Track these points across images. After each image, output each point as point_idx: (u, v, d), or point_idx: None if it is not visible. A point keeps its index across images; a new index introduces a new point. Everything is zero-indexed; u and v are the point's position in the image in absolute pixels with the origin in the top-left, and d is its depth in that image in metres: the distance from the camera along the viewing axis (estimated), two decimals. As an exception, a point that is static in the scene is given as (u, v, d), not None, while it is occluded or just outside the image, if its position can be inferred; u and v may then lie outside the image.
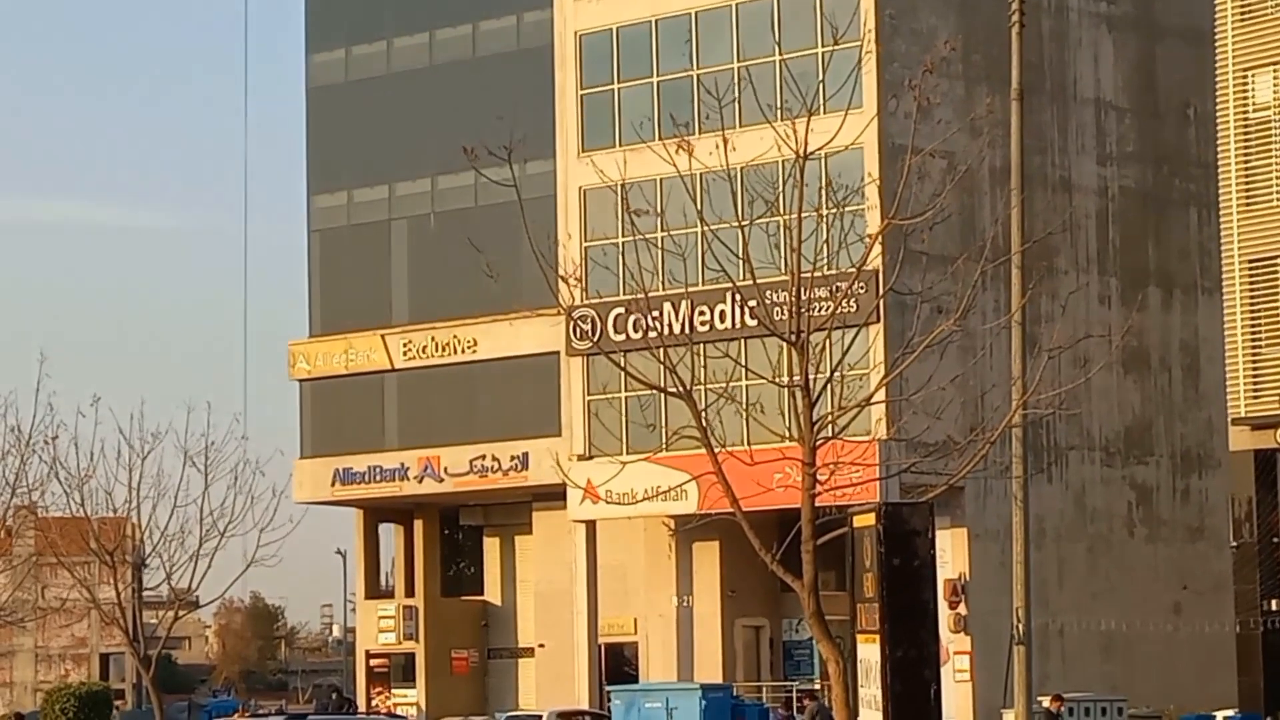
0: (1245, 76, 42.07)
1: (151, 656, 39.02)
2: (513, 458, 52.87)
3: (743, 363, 24.99)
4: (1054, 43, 51.69)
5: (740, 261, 18.92)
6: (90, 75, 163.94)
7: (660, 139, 27.13)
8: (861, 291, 32.08)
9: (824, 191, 19.93)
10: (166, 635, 43.05)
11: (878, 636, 17.26)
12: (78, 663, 70.46)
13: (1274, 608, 40.30)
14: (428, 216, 55.85)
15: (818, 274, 19.12)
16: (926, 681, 17.56)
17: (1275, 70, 42.02)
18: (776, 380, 19.18)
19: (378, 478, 56.07)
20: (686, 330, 41.63)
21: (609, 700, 44.68)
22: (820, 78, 20.54)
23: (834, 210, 20.21)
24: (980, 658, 43.99)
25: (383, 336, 54.97)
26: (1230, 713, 39.56)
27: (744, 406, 27.17)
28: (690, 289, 37.27)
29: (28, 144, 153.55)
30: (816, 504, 17.87)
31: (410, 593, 58.20)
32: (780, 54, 40.30)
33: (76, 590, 42.85)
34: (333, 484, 56.55)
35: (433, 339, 54.56)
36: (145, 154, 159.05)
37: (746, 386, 30.39)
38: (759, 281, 19.35)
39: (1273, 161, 41.68)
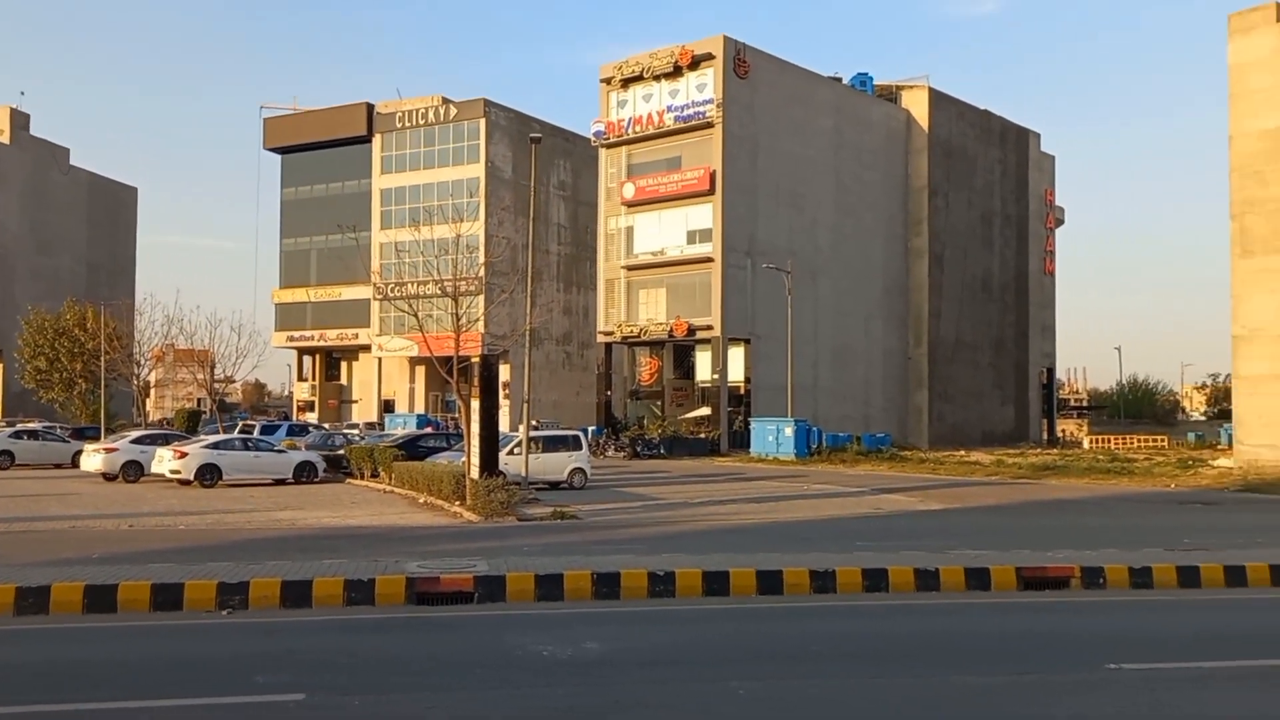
0: (608, 220, 56.21)
1: (217, 399, 51.98)
2: (353, 334, 69.70)
3: (437, 305, 29.01)
4: (541, 202, 65.40)
5: (438, 272, 25.48)
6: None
7: (409, 225, 48.30)
8: (476, 284, 36.39)
9: (465, 250, 27.33)
10: (222, 392, 55.91)
11: (478, 399, 21.82)
12: (189, 401, 73.92)
13: (608, 394, 55.69)
14: (323, 250, 70.64)
15: (463, 278, 25.00)
16: (494, 414, 22.34)
17: (618, 218, 55.21)
18: (448, 311, 23.44)
19: (304, 340, 72.50)
20: (419, 291, 49.57)
21: (387, 421, 57.45)
22: (464, 211, 34.17)
23: (469, 256, 28.67)
24: (514, 411, 51.76)
25: (306, 290, 71.42)
26: (594, 427, 52.52)
27: (436, 321, 30.60)
28: (419, 279, 53.24)
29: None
30: (460, 354, 22.76)
31: (315, 379, 74.15)
32: (452, 200, 51.80)
33: (192, 374, 52.66)
34: (288, 340, 72.47)
35: (325, 291, 70.87)
36: (227, 222, 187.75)
37: (437, 311, 32.18)
38: (444, 278, 24.99)
39: (616, 250, 55.99)
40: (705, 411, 53.34)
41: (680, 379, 56.54)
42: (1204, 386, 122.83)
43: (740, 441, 50.01)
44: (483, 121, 65.36)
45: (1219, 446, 52.56)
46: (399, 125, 67.81)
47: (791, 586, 12.00)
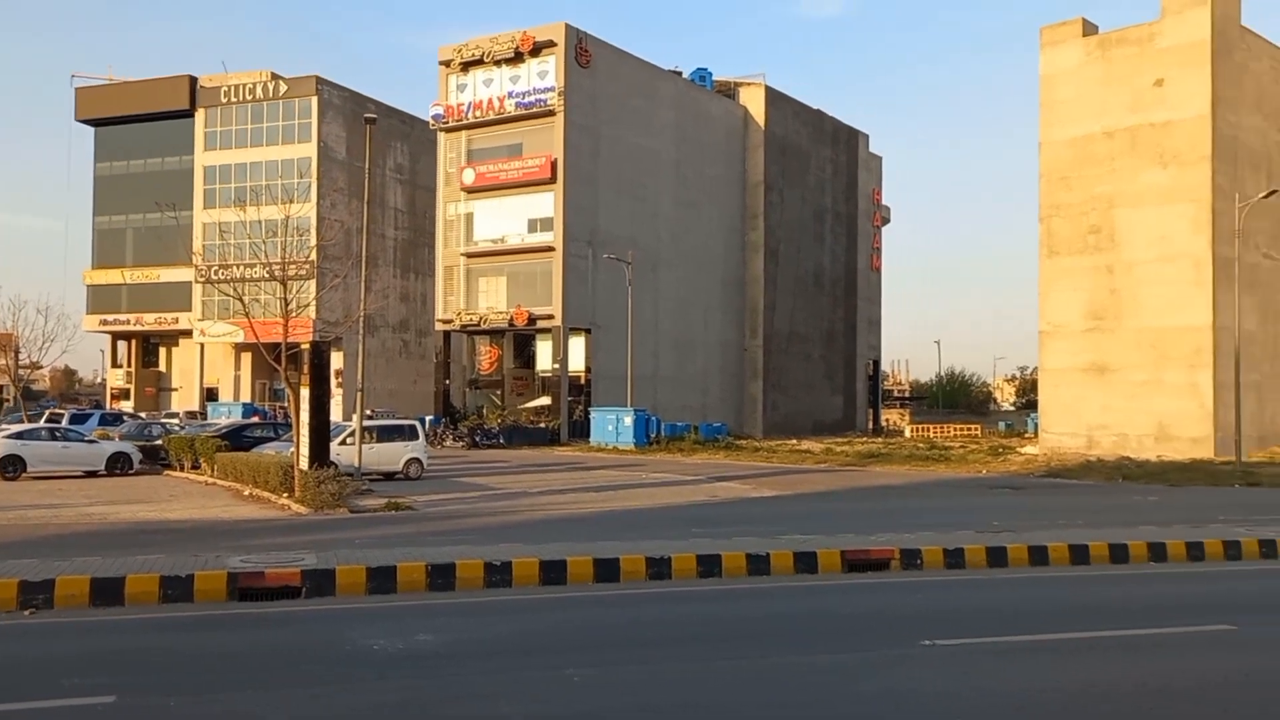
0: (447, 206, 54.74)
1: (21, 386, 46.60)
2: (174, 318, 66.75)
3: (265, 289, 27.96)
4: (377, 185, 63.63)
5: (266, 255, 23.79)
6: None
7: (235, 205, 45.86)
8: (307, 268, 41.49)
9: (295, 232, 24.63)
10: (27, 379, 51.86)
11: (308, 386, 21.43)
12: (-12, 390, 59.70)
13: (446, 383, 54.68)
14: (140, 229, 66.78)
15: (292, 261, 23.88)
16: (325, 403, 22.00)
17: (458, 204, 54.02)
18: (276, 296, 22.78)
19: (119, 324, 68.82)
20: (245, 274, 45.91)
21: (210, 410, 56.21)
22: (295, 191, 27.43)
23: (299, 238, 26.18)
24: (347, 399, 53.96)
25: (121, 271, 67.89)
26: (431, 417, 49.60)
27: (263, 305, 30.46)
28: (245, 262, 53.47)
29: None
30: (289, 341, 22.19)
31: (130, 366, 70.45)
32: (281, 180, 46.07)
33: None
34: (101, 324, 68.71)
35: (144, 273, 67.48)
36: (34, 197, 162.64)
37: (264, 297, 31.96)
38: (273, 261, 23.37)
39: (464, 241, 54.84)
40: (545, 401, 53.30)
41: (520, 368, 56.20)
42: (1014, 378, 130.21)
43: (580, 431, 50.19)
44: (314, 99, 63.51)
45: (1026, 435, 56.50)
46: (224, 100, 65.12)
47: (628, 574, 12.16)
